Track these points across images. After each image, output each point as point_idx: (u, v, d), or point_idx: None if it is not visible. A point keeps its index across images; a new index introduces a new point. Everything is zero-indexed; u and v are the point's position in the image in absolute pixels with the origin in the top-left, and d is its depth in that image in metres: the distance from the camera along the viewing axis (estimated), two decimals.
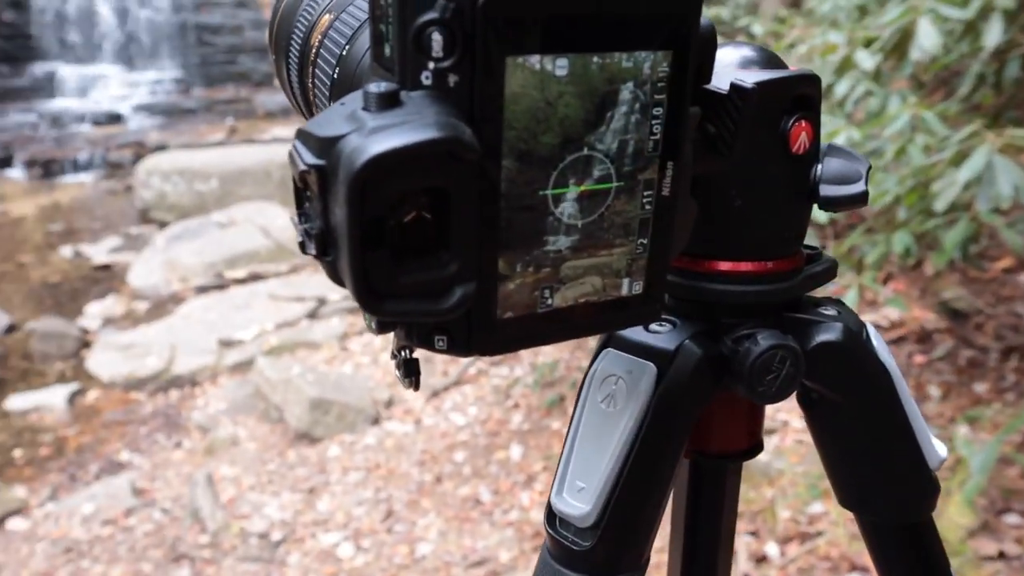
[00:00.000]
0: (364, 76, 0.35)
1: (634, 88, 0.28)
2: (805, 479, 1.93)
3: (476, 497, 2.32)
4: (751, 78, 0.35)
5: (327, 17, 0.40)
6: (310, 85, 0.41)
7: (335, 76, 0.38)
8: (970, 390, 2.11)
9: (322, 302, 3.72)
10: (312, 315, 3.65)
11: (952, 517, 1.68)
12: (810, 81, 0.37)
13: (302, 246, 0.26)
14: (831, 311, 0.41)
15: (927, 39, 1.71)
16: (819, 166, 0.38)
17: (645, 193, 0.30)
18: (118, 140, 7.47)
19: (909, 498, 0.43)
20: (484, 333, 0.29)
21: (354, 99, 0.26)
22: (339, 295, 3.66)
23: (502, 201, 0.27)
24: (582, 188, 0.28)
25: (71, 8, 9.01)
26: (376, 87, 0.24)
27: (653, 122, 0.29)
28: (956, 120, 1.98)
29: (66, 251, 4.93)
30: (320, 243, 0.25)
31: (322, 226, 0.25)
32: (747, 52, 0.38)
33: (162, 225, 5.25)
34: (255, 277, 4.19)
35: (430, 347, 0.29)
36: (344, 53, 0.37)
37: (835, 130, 1.82)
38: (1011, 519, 1.70)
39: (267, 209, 5.03)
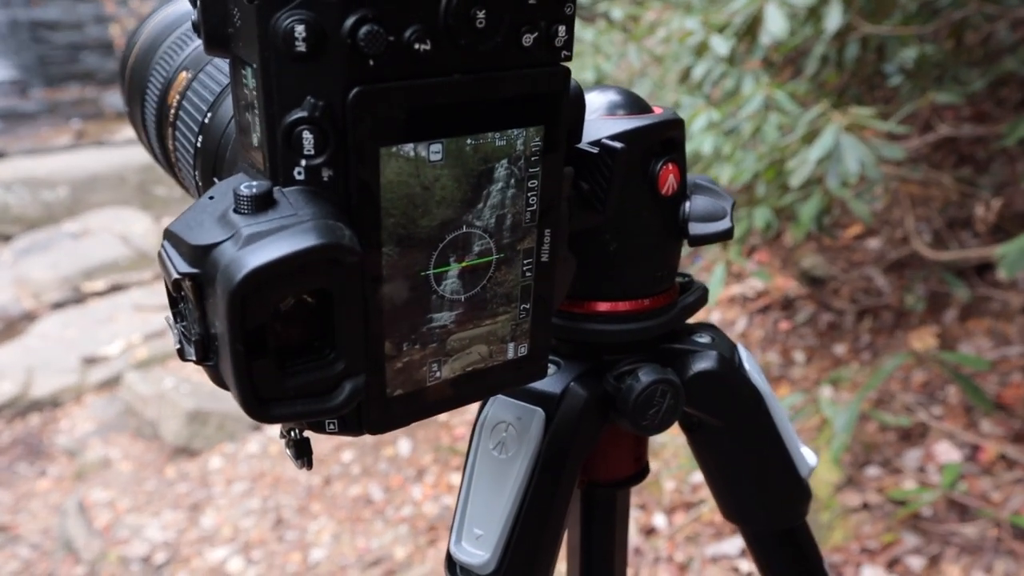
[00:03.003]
0: (230, 150, 0.34)
1: (508, 165, 0.28)
2: (686, 450, 2.00)
3: (367, 496, 2.29)
4: (620, 127, 0.36)
5: (184, 75, 0.39)
6: (171, 147, 0.40)
7: (198, 144, 0.36)
8: (831, 352, 2.22)
9: None
10: None
11: (820, 475, 1.78)
12: (675, 125, 0.38)
13: (180, 352, 0.25)
14: (705, 338, 0.43)
15: (774, 24, 1.78)
16: (687, 204, 0.39)
17: (525, 262, 0.30)
18: None
19: (785, 507, 0.46)
20: (375, 413, 0.29)
21: (224, 195, 0.25)
22: None
23: (384, 287, 0.27)
24: (463, 264, 0.28)
25: None
26: (248, 188, 0.24)
27: (529, 194, 0.29)
28: (805, 98, 2.07)
29: None
30: (200, 349, 0.24)
31: (201, 332, 0.24)
32: (613, 97, 0.39)
33: (6, 239, 4.91)
34: (116, 288, 3.99)
35: (320, 430, 0.29)
36: (206, 121, 0.36)
37: (696, 112, 1.89)
38: (872, 471, 1.80)
39: (124, 215, 4.78)
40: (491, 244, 0.29)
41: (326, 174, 0.25)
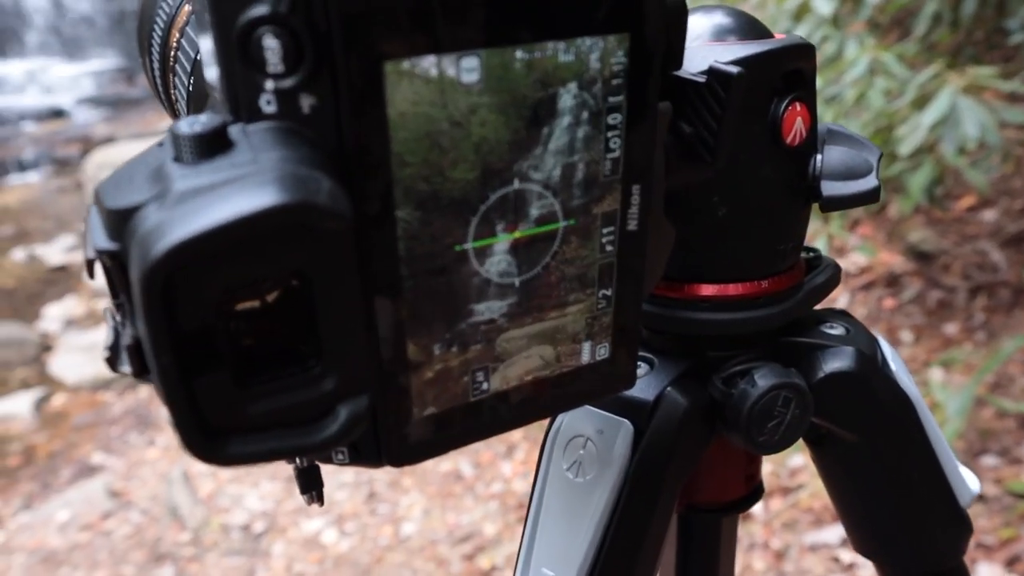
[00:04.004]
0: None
1: (579, 91, 0.19)
2: None
3: (457, 472, 2.30)
4: (732, 55, 0.27)
5: (187, 8, 0.31)
6: (174, 97, 0.32)
7: (190, 87, 0.29)
8: (941, 332, 2.10)
9: None
10: None
11: None
12: (803, 52, 0.29)
13: (110, 361, 0.18)
14: (838, 329, 0.34)
15: None
16: (818, 157, 0.30)
17: (605, 231, 0.22)
18: (64, 135, 7.17)
19: (939, 543, 0.36)
20: (397, 439, 0.21)
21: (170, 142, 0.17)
22: None
23: (402, 268, 0.19)
24: (516, 235, 0.20)
25: None
26: (189, 125, 0.16)
27: (609, 134, 0.20)
28: (914, 61, 1.94)
29: (19, 255, 4.75)
30: (136, 358, 0.17)
31: (135, 334, 0.17)
32: (721, 19, 0.30)
33: None
34: None
35: (327, 460, 0.21)
36: (198, 57, 0.28)
37: None
38: (989, 460, 1.69)
39: None
40: (556, 206, 0.20)
41: (307, 103, 0.17)
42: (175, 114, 0.35)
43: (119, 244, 0.16)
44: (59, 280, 4.36)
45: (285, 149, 0.16)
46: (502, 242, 0.20)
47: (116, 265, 0.16)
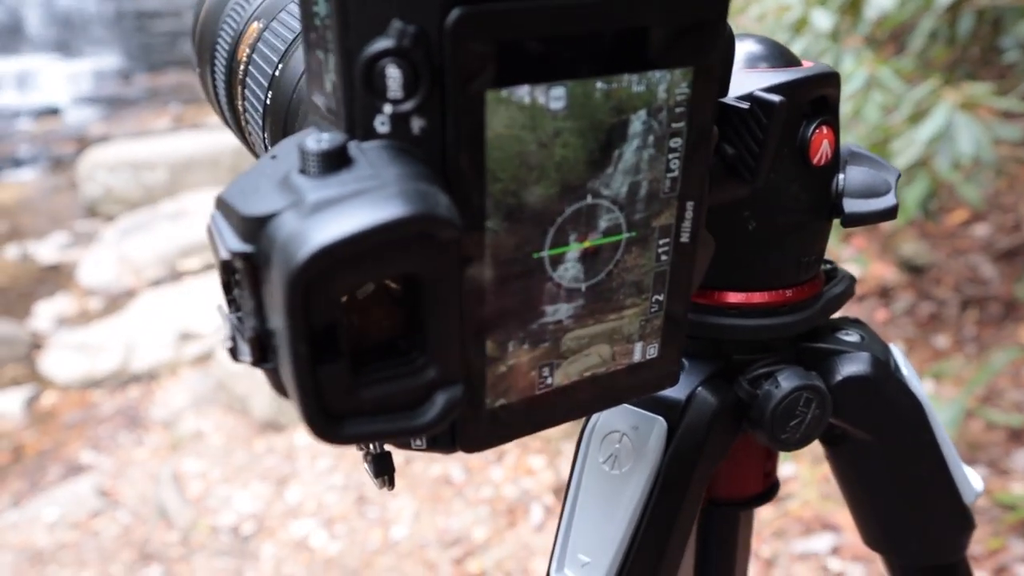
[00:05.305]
0: (302, 106, 0.28)
1: (647, 118, 0.22)
2: None
3: (447, 476, 2.29)
4: (766, 82, 0.29)
5: (256, 25, 0.34)
6: (240, 108, 0.35)
7: (267, 101, 0.31)
8: (932, 344, 2.12)
9: None
10: None
11: None
12: (830, 80, 0.31)
13: (232, 351, 0.20)
14: (854, 336, 0.36)
15: None
16: (841, 176, 0.33)
17: (660, 242, 0.24)
18: (59, 134, 7.12)
19: (945, 538, 0.39)
20: (472, 427, 0.23)
21: (288, 153, 0.20)
22: None
23: (487, 272, 0.21)
24: (586, 244, 0.23)
25: None
26: (316, 142, 0.18)
27: (670, 156, 0.23)
28: (911, 76, 1.96)
29: (12, 252, 4.73)
30: (257, 348, 0.19)
31: (257, 327, 0.19)
32: (753, 47, 0.32)
33: (110, 219, 5.06)
34: (210, 267, 4.06)
35: (405, 446, 0.24)
36: (277, 73, 0.31)
37: None
38: (978, 472, 1.70)
39: None
40: (621, 219, 0.23)
41: (417, 125, 0.19)
42: (238, 124, 0.37)
43: (254, 247, 0.18)
44: (51, 278, 4.35)
45: (401, 166, 0.18)
46: (573, 251, 0.22)
47: (248, 266, 0.18)
